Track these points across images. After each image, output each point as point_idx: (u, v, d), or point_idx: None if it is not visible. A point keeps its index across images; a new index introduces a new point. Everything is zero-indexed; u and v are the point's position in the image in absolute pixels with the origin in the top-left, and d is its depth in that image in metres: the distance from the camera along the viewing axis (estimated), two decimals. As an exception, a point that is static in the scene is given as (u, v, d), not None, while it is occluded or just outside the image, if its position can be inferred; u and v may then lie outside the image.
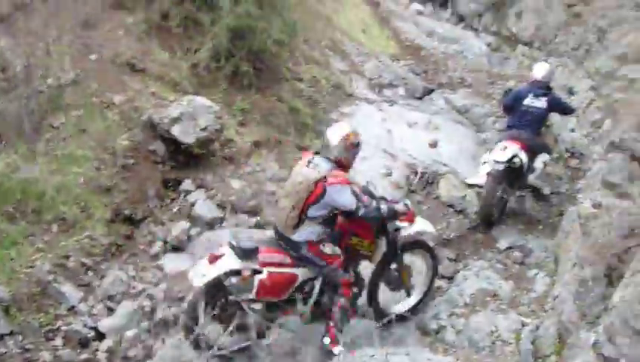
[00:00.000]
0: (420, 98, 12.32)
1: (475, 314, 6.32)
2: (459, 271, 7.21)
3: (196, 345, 4.90)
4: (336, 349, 5.21)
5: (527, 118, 7.99)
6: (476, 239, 7.97)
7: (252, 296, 4.99)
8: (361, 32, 13.89)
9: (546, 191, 9.01)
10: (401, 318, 5.77)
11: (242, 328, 5.04)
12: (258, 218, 7.39)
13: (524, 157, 7.76)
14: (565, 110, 8.43)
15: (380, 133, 9.97)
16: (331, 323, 5.28)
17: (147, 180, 7.32)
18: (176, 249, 6.89)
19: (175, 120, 7.57)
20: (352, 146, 5.18)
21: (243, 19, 8.74)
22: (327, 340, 5.28)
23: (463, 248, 7.81)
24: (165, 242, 6.93)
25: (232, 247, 4.98)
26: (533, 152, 7.95)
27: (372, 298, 6.00)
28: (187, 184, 7.63)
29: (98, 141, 7.19)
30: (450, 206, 8.50)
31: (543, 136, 8.66)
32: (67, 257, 6.18)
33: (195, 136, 7.61)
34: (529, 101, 8.00)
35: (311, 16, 12.23)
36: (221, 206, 7.46)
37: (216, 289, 4.95)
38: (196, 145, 7.65)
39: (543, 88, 8.09)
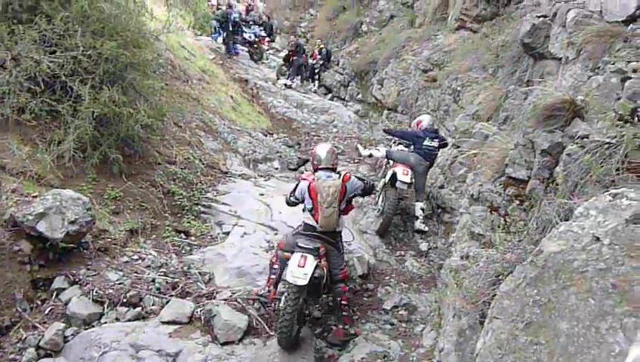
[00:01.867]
0: (295, 169, 12.65)
1: (367, 378, 6.52)
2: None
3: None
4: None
5: (430, 156, 10.05)
6: (363, 302, 8.19)
7: (324, 280, 6.75)
8: (232, 110, 14.16)
9: (424, 247, 9.55)
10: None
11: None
12: (139, 309, 7.18)
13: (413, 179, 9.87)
14: (446, 145, 10.36)
15: (259, 208, 10.10)
16: (344, 313, 7.25)
17: (14, 283, 6.91)
18: (51, 354, 6.49)
19: (41, 215, 7.27)
20: (337, 154, 7.23)
21: (107, 106, 8.67)
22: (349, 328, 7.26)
23: (351, 313, 7.96)
24: (38, 348, 6.52)
25: (304, 249, 6.55)
26: (416, 190, 9.98)
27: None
28: (59, 281, 7.26)
29: (-46, 247, 6.76)
30: None
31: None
32: None
33: (63, 230, 7.31)
34: (428, 142, 10.03)
35: (179, 98, 12.36)
36: (98, 301, 7.15)
37: (311, 283, 6.46)
38: (66, 240, 7.36)
39: (434, 132, 10.21)
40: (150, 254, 8.20)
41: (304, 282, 6.31)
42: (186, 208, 9.63)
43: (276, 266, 7.00)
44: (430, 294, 8.20)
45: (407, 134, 10.53)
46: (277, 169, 12.95)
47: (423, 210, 10.03)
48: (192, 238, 9.09)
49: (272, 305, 7.10)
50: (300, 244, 6.64)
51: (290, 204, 7.29)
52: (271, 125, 14.77)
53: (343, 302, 7.07)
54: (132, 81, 9.42)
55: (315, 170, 7.11)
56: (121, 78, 9.22)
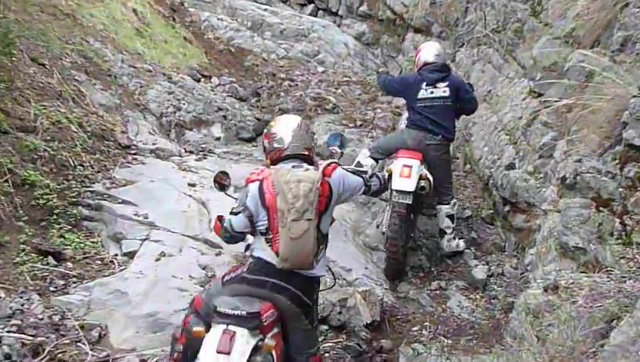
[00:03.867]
0: (250, 139, 12.61)
1: None
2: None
3: None
4: None
5: (438, 119, 9.99)
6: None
7: None
8: (136, 35, 14.06)
9: (479, 273, 9.85)
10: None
11: None
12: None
13: (429, 175, 9.77)
14: (471, 101, 10.37)
15: (188, 209, 10.15)
16: None
17: None
18: None
19: None
20: (313, 133, 7.01)
21: None
22: None
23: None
24: None
25: (230, 318, 6.10)
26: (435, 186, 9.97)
27: None
28: None
29: None
30: (323, 320, 8.57)
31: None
32: None
33: None
34: (425, 92, 10.00)
35: (39, 13, 12.23)
36: None
37: None
38: None
39: (439, 70, 10.12)
40: None
41: None
42: (57, 211, 9.56)
43: (180, 346, 6.60)
44: (492, 357, 8.21)
45: (392, 85, 10.70)
46: (218, 139, 12.89)
47: (451, 217, 10.15)
48: (69, 264, 8.98)
49: None
50: (219, 309, 6.19)
51: (229, 237, 6.81)
52: (207, 61, 14.71)
53: None
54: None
55: (274, 161, 6.67)
56: None
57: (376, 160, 10.41)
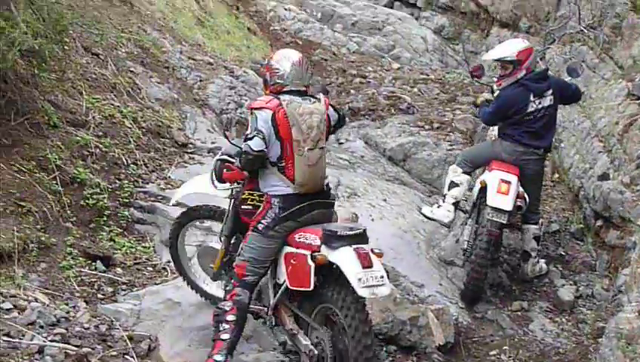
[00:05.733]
0: (317, 140, 12.49)
1: None
2: None
3: None
4: None
5: (543, 132, 9.68)
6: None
7: None
8: (197, 25, 14.04)
9: (566, 294, 9.65)
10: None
11: None
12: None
13: (525, 193, 9.62)
14: (576, 92, 10.15)
15: (248, 214, 9.97)
16: None
17: None
18: None
19: None
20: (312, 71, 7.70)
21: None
22: None
23: None
24: None
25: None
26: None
27: None
28: None
29: None
30: (391, 339, 8.47)
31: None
32: None
33: None
34: (535, 104, 9.60)
35: (96, 0, 12.27)
36: None
37: None
38: None
39: (543, 77, 9.78)
40: (36, 299, 8.07)
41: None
42: (107, 213, 9.56)
43: (230, 318, 7.20)
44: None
45: (500, 112, 9.87)
46: (283, 138, 12.83)
47: (537, 239, 9.87)
48: (118, 270, 9.00)
49: None
50: (340, 233, 6.98)
51: (250, 160, 7.19)
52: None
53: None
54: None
55: (274, 92, 7.33)
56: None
57: (469, 173, 10.14)
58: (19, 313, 7.83)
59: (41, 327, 7.68)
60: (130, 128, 10.64)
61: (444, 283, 9.54)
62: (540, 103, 9.60)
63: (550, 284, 9.93)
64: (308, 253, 7.00)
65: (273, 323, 7.67)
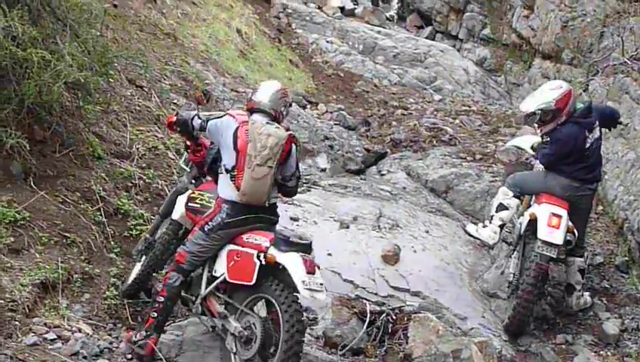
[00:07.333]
0: (358, 172, 12.52)
1: None
2: None
3: None
4: None
5: (596, 167, 9.93)
6: None
7: None
8: (239, 57, 14.08)
9: (611, 328, 9.60)
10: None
11: None
12: None
13: (574, 228, 9.70)
14: (614, 116, 10.40)
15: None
16: None
17: None
18: None
19: None
20: (288, 104, 8.50)
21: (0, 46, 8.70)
22: None
23: None
24: None
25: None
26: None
27: None
28: None
29: None
30: None
31: None
32: None
33: None
34: (589, 142, 9.72)
35: (139, 32, 12.36)
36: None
37: None
38: None
39: (590, 109, 9.87)
40: (79, 330, 8.14)
41: None
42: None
43: (160, 299, 8.07)
44: None
45: (561, 153, 9.83)
46: (324, 171, 12.85)
47: (582, 272, 9.90)
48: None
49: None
50: (291, 239, 7.82)
51: (182, 124, 8.45)
52: (314, 87, 14.69)
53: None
54: (49, -3, 9.41)
55: (250, 110, 8.24)
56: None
57: (519, 198, 10.13)
58: (63, 343, 7.91)
59: (85, 358, 7.78)
60: (173, 160, 10.77)
61: (487, 315, 9.55)
62: (592, 137, 9.72)
63: (595, 317, 9.87)
64: (255, 252, 7.77)
65: (199, 312, 8.27)
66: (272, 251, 7.65)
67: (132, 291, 9.01)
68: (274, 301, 7.64)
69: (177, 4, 13.81)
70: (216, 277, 8.09)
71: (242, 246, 7.93)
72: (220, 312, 8.05)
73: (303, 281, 7.46)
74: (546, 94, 9.91)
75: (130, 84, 11.15)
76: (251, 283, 7.73)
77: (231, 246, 8.03)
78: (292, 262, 7.57)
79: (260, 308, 7.90)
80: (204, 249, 8.08)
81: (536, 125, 10.22)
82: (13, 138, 8.87)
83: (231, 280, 7.94)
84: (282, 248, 7.66)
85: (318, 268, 7.79)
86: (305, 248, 7.80)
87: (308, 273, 7.55)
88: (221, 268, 8.09)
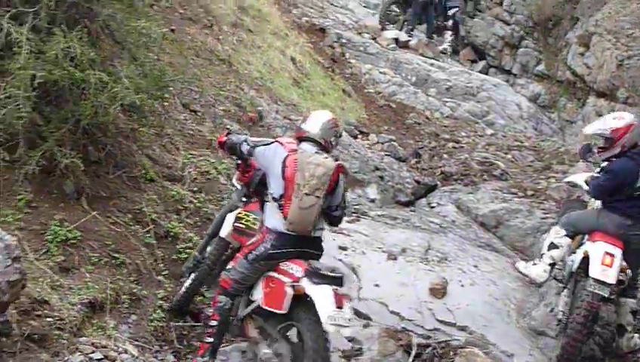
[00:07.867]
0: (408, 203, 12.52)
1: None
2: None
3: None
4: None
5: None
6: None
7: None
8: (292, 85, 14.15)
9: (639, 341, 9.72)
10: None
11: None
12: None
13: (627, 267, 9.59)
14: None
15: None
16: None
17: None
18: None
19: None
20: (338, 134, 8.61)
21: (59, 67, 8.71)
22: None
23: None
24: None
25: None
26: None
27: None
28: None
29: None
30: None
31: None
32: None
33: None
34: None
35: (195, 58, 12.48)
36: None
37: None
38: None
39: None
40: (126, 351, 8.11)
41: None
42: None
43: (213, 323, 8.23)
44: None
45: (613, 185, 9.74)
46: (373, 201, 12.86)
47: (634, 313, 9.81)
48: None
49: None
50: (322, 271, 7.94)
51: (230, 147, 8.69)
52: (366, 117, 14.72)
53: None
54: (108, 22, 9.51)
55: (299, 139, 8.39)
56: (88, 14, 9.32)
57: (571, 238, 10.01)
58: (108, 364, 7.91)
59: (130, 380, 7.76)
60: (224, 185, 10.82)
61: (534, 353, 9.47)
62: None
63: (642, 355, 9.65)
64: (289, 280, 7.91)
65: (236, 333, 8.63)
66: (304, 282, 7.78)
67: (180, 305, 9.17)
68: (302, 330, 7.79)
69: (234, 30, 13.91)
70: (253, 301, 8.26)
71: (278, 274, 8.08)
72: (252, 337, 8.32)
73: (330, 316, 7.52)
74: (606, 121, 9.92)
75: (185, 109, 11.26)
76: (283, 312, 7.88)
77: (268, 273, 8.17)
78: (321, 295, 7.66)
79: (293, 335, 8.01)
80: (247, 277, 8.22)
81: (595, 150, 10.09)
82: (68, 158, 8.93)
83: (264, 307, 8.07)
84: (314, 280, 7.76)
85: (350, 300, 8.18)
86: (336, 281, 7.87)
87: (337, 307, 7.60)
88: (257, 293, 8.25)
